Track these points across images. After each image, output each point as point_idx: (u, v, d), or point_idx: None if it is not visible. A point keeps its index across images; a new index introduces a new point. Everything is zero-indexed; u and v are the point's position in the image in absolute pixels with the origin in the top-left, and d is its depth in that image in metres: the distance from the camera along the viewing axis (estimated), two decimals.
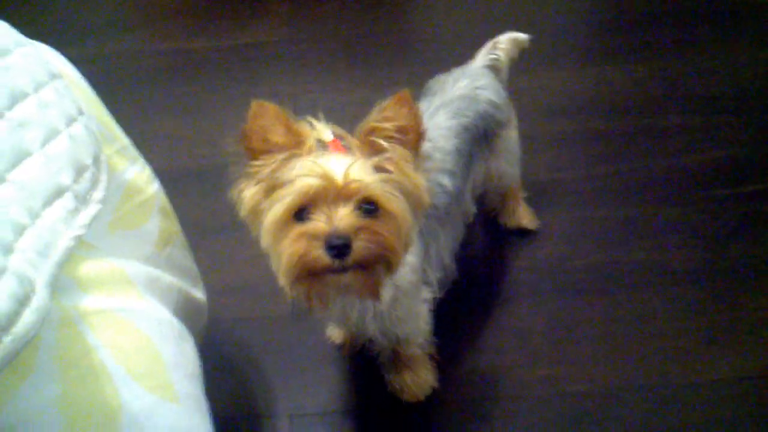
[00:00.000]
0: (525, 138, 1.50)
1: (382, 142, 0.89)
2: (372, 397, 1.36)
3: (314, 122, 0.91)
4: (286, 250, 0.87)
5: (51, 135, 0.77)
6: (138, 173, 1.00)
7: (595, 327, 1.45)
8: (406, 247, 0.94)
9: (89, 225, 0.76)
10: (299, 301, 0.94)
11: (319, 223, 0.85)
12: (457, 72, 1.36)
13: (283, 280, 0.90)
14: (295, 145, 0.89)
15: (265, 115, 0.88)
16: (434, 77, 1.36)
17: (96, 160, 0.83)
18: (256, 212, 0.91)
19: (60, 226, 0.72)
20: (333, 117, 1.86)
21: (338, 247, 0.84)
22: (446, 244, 1.24)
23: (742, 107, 1.86)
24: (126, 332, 0.77)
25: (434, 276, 1.20)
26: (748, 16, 2.13)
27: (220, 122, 1.93)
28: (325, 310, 1.02)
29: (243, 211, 0.93)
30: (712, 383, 1.34)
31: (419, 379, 1.32)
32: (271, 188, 0.89)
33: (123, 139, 1.01)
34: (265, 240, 0.91)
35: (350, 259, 0.85)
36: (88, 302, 0.74)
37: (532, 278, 1.54)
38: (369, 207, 0.87)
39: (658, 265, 1.54)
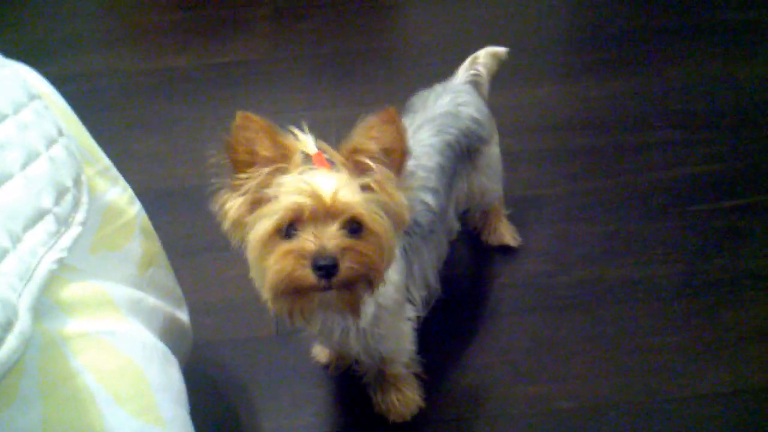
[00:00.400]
0: (506, 155, 1.50)
1: (367, 161, 0.89)
2: (358, 417, 1.35)
3: (299, 134, 0.91)
4: (272, 267, 0.87)
5: (31, 157, 0.76)
6: (119, 194, 0.99)
7: (579, 343, 1.45)
8: (388, 264, 0.94)
9: (71, 248, 0.75)
10: (281, 317, 0.94)
11: (307, 242, 0.85)
12: (439, 88, 1.36)
13: (266, 295, 0.90)
14: (281, 158, 0.88)
15: (251, 127, 0.88)
16: (416, 94, 1.37)
17: (77, 181, 0.82)
18: (240, 225, 0.91)
19: (41, 249, 0.71)
20: (315, 134, 1.87)
21: (325, 267, 0.84)
22: (430, 261, 1.24)
23: (719, 123, 1.89)
24: (110, 356, 0.76)
25: (418, 294, 1.20)
26: (724, 32, 2.15)
27: (201, 141, 1.90)
28: (307, 326, 1.02)
29: (225, 224, 0.93)
30: (696, 398, 1.34)
31: (405, 399, 1.31)
32: (257, 202, 0.89)
33: (104, 160, 1.00)
34: (250, 254, 0.91)
35: (336, 280, 0.86)
36: (71, 326, 0.73)
37: (515, 295, 1.54)
38: (354, 226, 0.88)
39: (640, 280, 1.55)
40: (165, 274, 1.11)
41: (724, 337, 1.44)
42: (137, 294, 0.93)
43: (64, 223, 0.76)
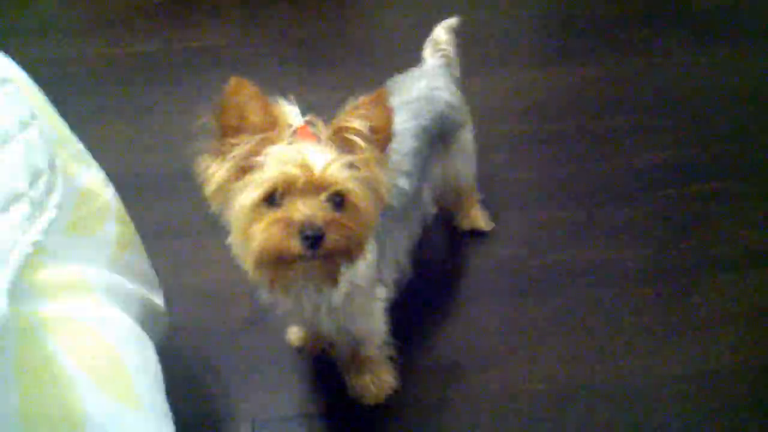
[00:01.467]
0: (478, 140, 1.51)
1: (356, 139, 0.91)
2: (333, 400, 1.35)
3: (286, 105, 0.92)
4: (258, 235, 0.87)
5: (4, 140, 0.75)
6: (92, 178, 0.99)
7: (551, 326, 1.47)
8: (367, 239, 0.96)
9: (46, 231, 0.75)
10: (260, 285, 0.96)
11: (295, 212, 0.86)
12: (415, 72, 1.37)
13: (248, 263, 0.90)
14: (270, 126, 0.89)
15: (243, 93, 0.88)
16: (392, 78, 1.37)
17: (51, 165, 0.81)
18: (223, 190, 0.91)
19: (17, 232, 0.70)
20: None
21: (312, 237, 0.85)
22: (402, 243, 1.25)
23: (687, 109, 1.92)
24: (87, 339, 0.76)
25: (390, 275, 1.21)
26: (692, 20, 2.18)
27: (173, 126, 1.91)
28: (281, 300, 1.04)
29: (209, 188, 0.92)
30: (665, 379, 1.37)
31: (379, 381, 1.32)
32: (243, 169, 0.89)
33: (76, 144, 0.99)
34: (234, 221, 0.91)
35: (321, 250, 0.87)
36: (47, 309, 0.73)
37: (489, 279, 1.56)
38: (338, 200, 0.89)
39: (611, 264, 1.57)
40: (140, 258, 1.10)
41: (692, 319, 1.47)
42: (113, 277, 0.93)
43: (38, 206, 0.75)
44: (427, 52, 1.44)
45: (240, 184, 0.89)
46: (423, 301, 1.48)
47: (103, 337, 0.79)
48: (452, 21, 1.46)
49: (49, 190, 0.78)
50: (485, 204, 1.63)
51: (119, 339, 0.82)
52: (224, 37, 2.21)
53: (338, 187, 0.88)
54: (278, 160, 0.87)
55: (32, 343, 0.69)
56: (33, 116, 0.82)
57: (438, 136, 1.31)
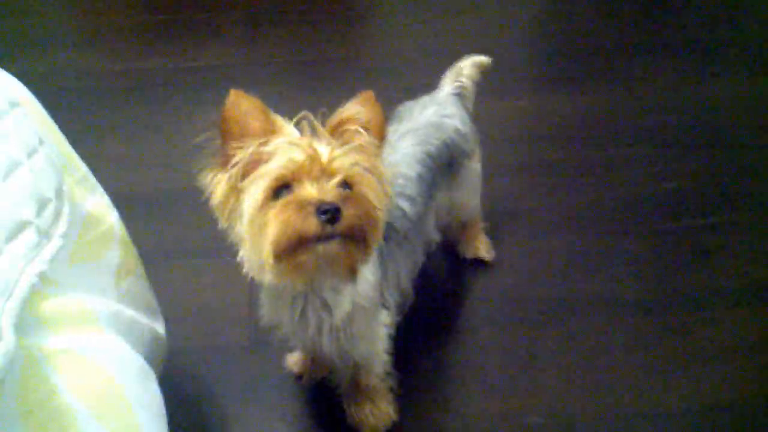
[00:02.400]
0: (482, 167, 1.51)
1: (353, 129, 0.93)
2: (331, 429, 1.34)
3: (284, 123, 0.93)
4: (273, 221, 0.86)
5: (12, 167, 0.74)
6: (97, 203, 0.98)
7: (551, 358, 1.45)
8: (379, 228, 0.95)
9: (52, 260, 0.74)
10: (283, 277, 0.92)
11: (308, 191, 0.87)
12: (425, 99, 1.37)
13: (266, 256, 0.88)
14: (271, 133, 0.91)
15: (243, 103, 0.90)
16: (403, 104, 1.37)
17: (58, 192, 0.80)
18: (231, 197, 0.91)
19: (22, 262, 0.69)
20: None
21: (330, 211, 0.84)
22: (404, 268, 1.24)
23: (689, 141, 1.91)
24: (91, 373, 0.74)
25: (392, 299, 1.20)
26: (694, 50, 2.19)
27: (172, 145, 1.90)
28: (306, 286, 1.01)
29: (215, 198, 0.93)
30: (665, 415, 1.36)
31: (379, 412, 1.30)
32: (248, 171, 0.90)
33: (82, 168, 0.98)
34: (246, 220, 0.90)
35: (340, 226, 0.86)
36: (51, 342, 0.71)
37: (488, 308, 1.55)
38: (345, 188, 0.90)
39: (611, 296, 1.57)
40: (142, 284, 1.09)
41: (693, 354, 1.46)
42: (116, 306, 0.91)
43: (45, 235, 0.74)
44: (446, 81, 1.43)
45: (248, 180, 0.89)
46: (423, 331, 1.47)
47: (106, 370, 0.77)
48: (482, 59, 1.47)
49: (55, 219, 0.77)
50: (486, 232, 1.62)
51: (122, 371, 0.80)
52: (225, 57, 2.20)
53: (346, 174, 0.89)
54: (285, 150, 0.88)
55: (36, 378, 0.68)
56: (41, 141, 0.82)
57: (445, 164, 1.30)
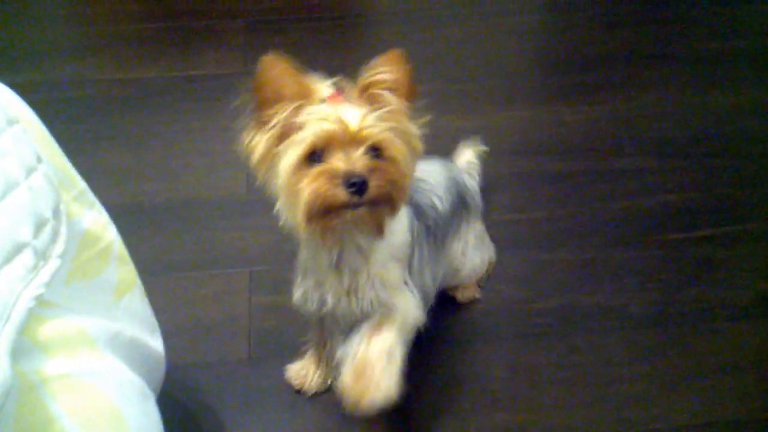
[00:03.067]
0: (483, 178, 1.52)
1: (382, 92, 0.98)
2: None
3: (317, 79, 0.99)
4: (305, 189, 0.94)
5: (10, 187, 0.73)
6: (95, 220, 0.96)
7: (554, 372, 1.44)
8: (407, 188, 1.03)
9: (49, 283, 0.72)
10: (314, 235, 1.00)
11: (338, 162, 0.93)
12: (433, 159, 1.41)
13: (299, 218, 0.96)
14: (304, 96, 0.96)
15: (275, 68, 0.95)
16: None
17: (56, 211, 0.78)
18: (268, 158, 0.98)
19: (19, 285, 0.68)
20: None
21: (357, 184, 0.92)
22: (429, 262, 1.26)
23: (693, 151, 1.90)
24: (89, 398, 0.73)
25: (415, 289, 1.21)
26: (698, 60, 2.18)
27: (172, 156, 1.88)
28: (335, 245, 1.07)
29: (253, 159, 0.99)
30: (669, 430, 1.35)
31: (377, 387, 1.27)
32: (284, 134, 0.96)
33: (80, 184, 0.96)
34: (280, 183, 0.97)
35: (366, 196, 0.93)
36: (49, 367, 0.70)
37: (491, 322, 1.54)
38: (375, 153, 0.96)
39: (616, 308, 1.55)
40: (140, 301, 1.07)
41: (698, 367, 1.45)
42: (114, 326, 0.90)
43: (42, 256, 0.73)
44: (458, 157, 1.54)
45: (283, 146, 0.95)
46: (425, 345, 1.45)
47: (104, 393, 0.76)
48: (481, 147, 1.60)
49: (53, 239, 0.76)
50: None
51: (120, 394, 0.79)
52: (225, 66, 2.18)
53: (374, 140, 0.95)
54: (316, 119, 0.94)
55: (33, 404, 0.66)
56: (39, 159, 0.80)
57: (460, 203, 1.36)
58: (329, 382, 1.38)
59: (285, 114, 0.95)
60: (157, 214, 1.73)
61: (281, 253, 1.62)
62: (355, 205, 0.94)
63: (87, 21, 2.38)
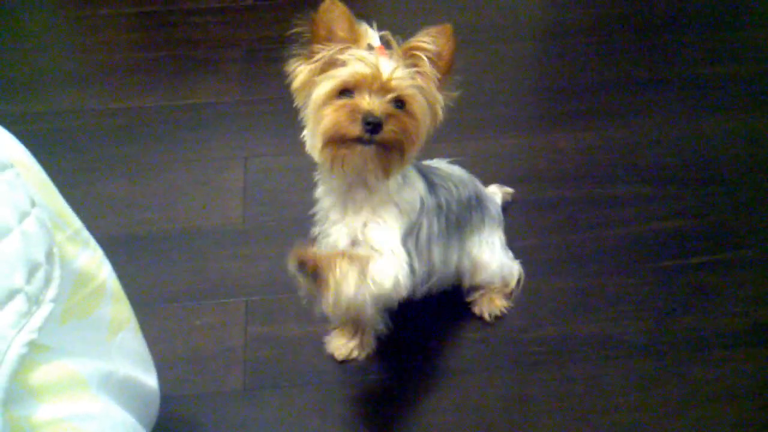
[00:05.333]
0: None
1: (421, 55, 1.08)
2: None
3: (368, 28, 1.10)
4: (329, 116, 1.06)
5: (2, 233, 0.73)
6: (90, 258, 0.96)
7: (550, 401, 1.44)
8: (419, 143, 1.14)
9: (41, 327, 0.73)
10: (326, 161, 1.12)
11: (361, 101, 1.05)
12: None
13: (317, 141, 1.09)
14: (352, 41, 1.07)
15: (334, 11, 1.07)
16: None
17: (49, 255, 0.79)
18: (307, 85, 1.10)
19: (11, 332, 0.68)
20: (287, 179, 1.84)
21: (372, 124, 1.04)
22: (438, 241, 1.34)
23: (687, 177, 1.90)
24: None
25: (419, 263, 1.28)
26: (692, 86, 2.18)
27: (169, 185, 1.89)
28: (344, 175, 1.16)
29: (295, 84, 1.12)
30: None
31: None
32: (326, 68, 1.08)
33: (75, 223, 0.97)
34: (310, 107, 1.10)
35: (378, 137, 1.05)
36: (40, 412, 0.70)
37: (486, 350, 1.53)
38: (398, 104, 1.07)
39: (611, 337, 1.55)
40: (134, 338, 1.08)
41: (693, 396, 1.45)
42: (107, 366, 0.90)
43: (35, 302, 0.73)
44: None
45: (321, 77, 1.07)
46: (420, 374, 1.46)
47: None
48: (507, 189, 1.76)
49: (46, 284, 0.76)
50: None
51: None
52: (225, 94, 2.18)
53: (401, 92, 1.06)
54: (355, 61, 1.05)
55: None
56: (32, 203, 0.81)
57: (478, 203, 1.46)
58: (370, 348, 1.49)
59: (331, 51, 1.06)
60: (153, 244, 1.74)
61: (277, 283, 1.63)
62: (367, 142, 1.06)
63: (85, 50, 2.39)
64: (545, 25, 2.48)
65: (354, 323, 1.45)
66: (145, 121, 2.09)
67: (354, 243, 1.21)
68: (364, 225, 1.20)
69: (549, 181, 1.90)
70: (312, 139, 1.11)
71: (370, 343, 1.48)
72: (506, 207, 1.73)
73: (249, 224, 1.78)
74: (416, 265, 1.26)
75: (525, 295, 1.62)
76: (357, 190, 1.19)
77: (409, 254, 1.22)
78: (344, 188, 1.20)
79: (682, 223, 1.79)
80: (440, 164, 1.43)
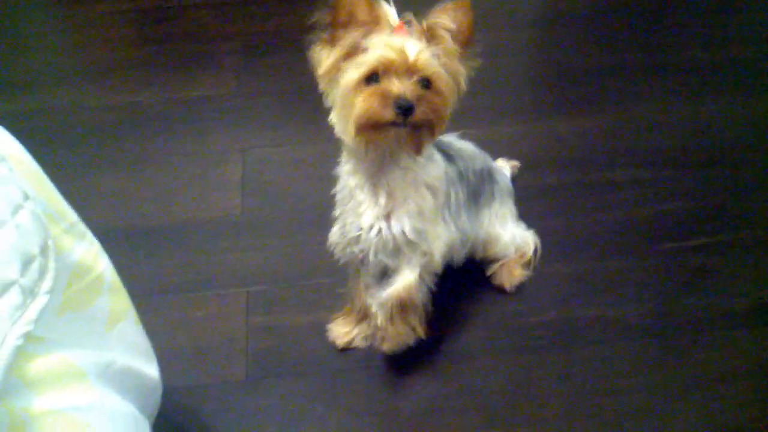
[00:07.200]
0: None
1: (443, 34, 1.11)
2: None
3: (386, 7, 1.11)
4: (360, 104, 1.08)
5: None
6: (86, 251, 0.96)
7: (553, 385, 1.44)
8: (447, 118, 1.16)
9: (37, 319, 0.73)
10: (360, 145, 1.14)
11: (391, 86, 1.07)
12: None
13: (350, 127, 1.11)
14: (374, 22, 1.09)
15: None
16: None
17: (43, 248, 0.79)
18: (331, 72, 1.12)
19: (6, 324, 0.68)
20: (285, 171, 1.84)
21: (404, 107, 1.06)
22: (464, 207, 1.40)
23: (686, 161, 1.90)
24: None
25: (453, 224, 1.35)
26: (689, 71, 2.18)
27: (167, 178, 1.89)
28: (376, 156, 1.19)
29: (319, 70, 1.13)
30: None
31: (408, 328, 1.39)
32: (350, 53, 1.10)
33: (70, 216, 0.97)
34: (339, 95, 1.12)
35: (410, 119, 1.08)
36: (38, 403, 0.70)
37: (489, 336, 1.53)
38: (425, 83, 1.10)
39: (612, 320, 1.55)
40: (133, 328, 1.08)
41: (696, 377, 1.45)
42: (106, 356, 0.90)
43: (30, 293, 0.73)
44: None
45: (347, 64, 1.09)
46: (422, 361, 1.46)
47: (94, 426, 0.76)
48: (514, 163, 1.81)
49: (41, 276, 0.76)
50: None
51: (110, 426, 0.79)
52: (221, 87, 2.19)
53: (427, 72, 1.09)
54: (380, 46, 1.07)
55: None
56: (26, 197, 0.81)
57: (488, 175, 1.51)
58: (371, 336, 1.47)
59: (355, 36, 1.08)
60: (152, 236, 1.74)
61: (277, 273, 1.63)
62: (400, 125, 1.08)
63: (81, 46, 2.40)
64: (544, 12, 2.48)
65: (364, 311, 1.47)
66: (143, 116, 2.10)
67: (381, 228, 1.25)
68: (401, 216, 1.24)
69: (547, 167, 1.90)
70: (343, 125, 1.13)
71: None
72: (514, 179, 1.75)
73: (248, 215, 1.78)
74: (453, 230, 1.34)
75: (526, 279, 1.62)
76: (388, 168, 1.21)
77: (445, 223, 1.31)
78: (374, 168, 1.22)
79: (682, 205, 1.79)
80: (451, 139, 1.45)
